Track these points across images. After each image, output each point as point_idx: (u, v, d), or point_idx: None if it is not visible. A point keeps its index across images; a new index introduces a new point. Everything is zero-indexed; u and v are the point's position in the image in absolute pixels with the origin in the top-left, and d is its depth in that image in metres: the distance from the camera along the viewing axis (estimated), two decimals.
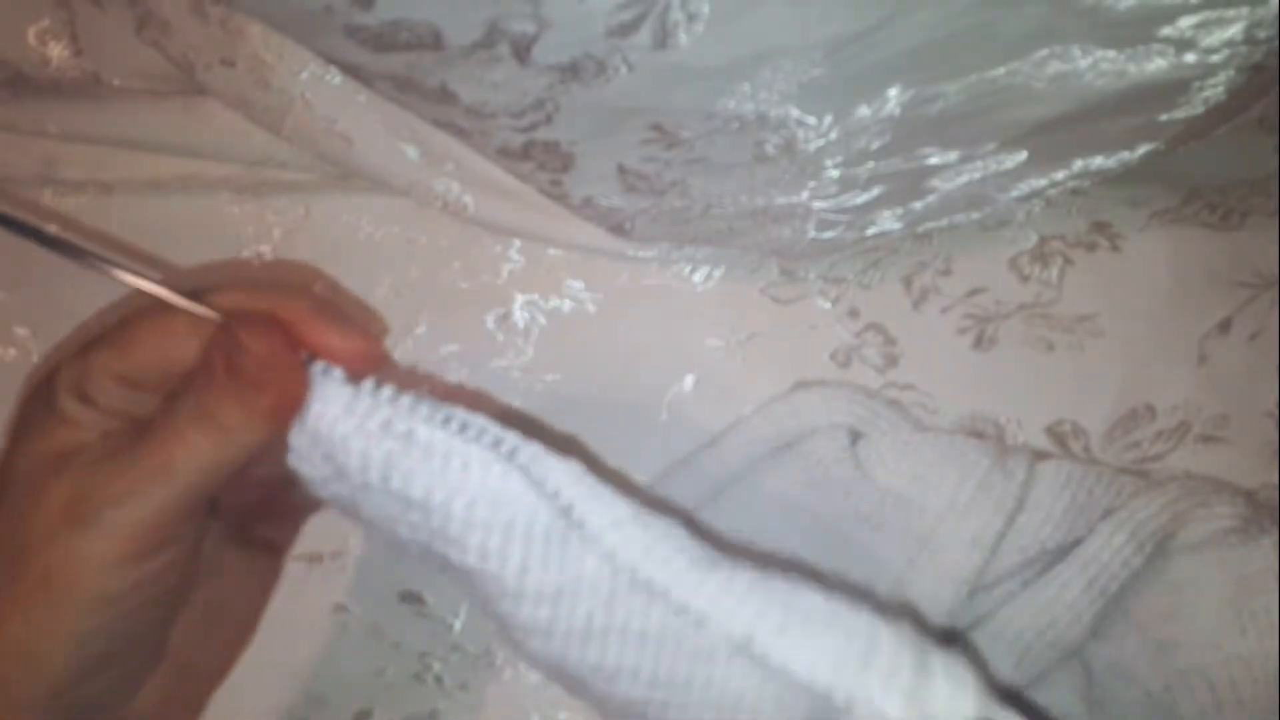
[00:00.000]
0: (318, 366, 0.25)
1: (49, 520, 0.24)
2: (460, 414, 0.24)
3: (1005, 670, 0.34)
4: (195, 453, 0.24)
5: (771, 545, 0.36)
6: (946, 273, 0.41)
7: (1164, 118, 0.32)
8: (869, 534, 0.36)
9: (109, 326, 0.26)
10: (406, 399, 0.24)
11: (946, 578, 0.34)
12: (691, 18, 0.25)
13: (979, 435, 0.39)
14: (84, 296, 0.42)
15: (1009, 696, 0.31)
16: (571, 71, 0.27)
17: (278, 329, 0.25)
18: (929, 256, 0.41)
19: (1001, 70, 0.29)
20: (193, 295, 0.26)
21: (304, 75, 0.38)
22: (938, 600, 0.34)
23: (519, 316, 0.41)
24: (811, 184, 0.34)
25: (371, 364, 0.26)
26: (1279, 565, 0.34)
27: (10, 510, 0.25)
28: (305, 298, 0.26)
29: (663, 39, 0.25)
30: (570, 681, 0.25)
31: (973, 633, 0.34)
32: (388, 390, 0.25)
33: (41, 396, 0.26)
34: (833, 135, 0.31)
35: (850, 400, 0.38)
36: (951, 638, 0.34)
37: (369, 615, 0.40)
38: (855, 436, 0.38)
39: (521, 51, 0.26)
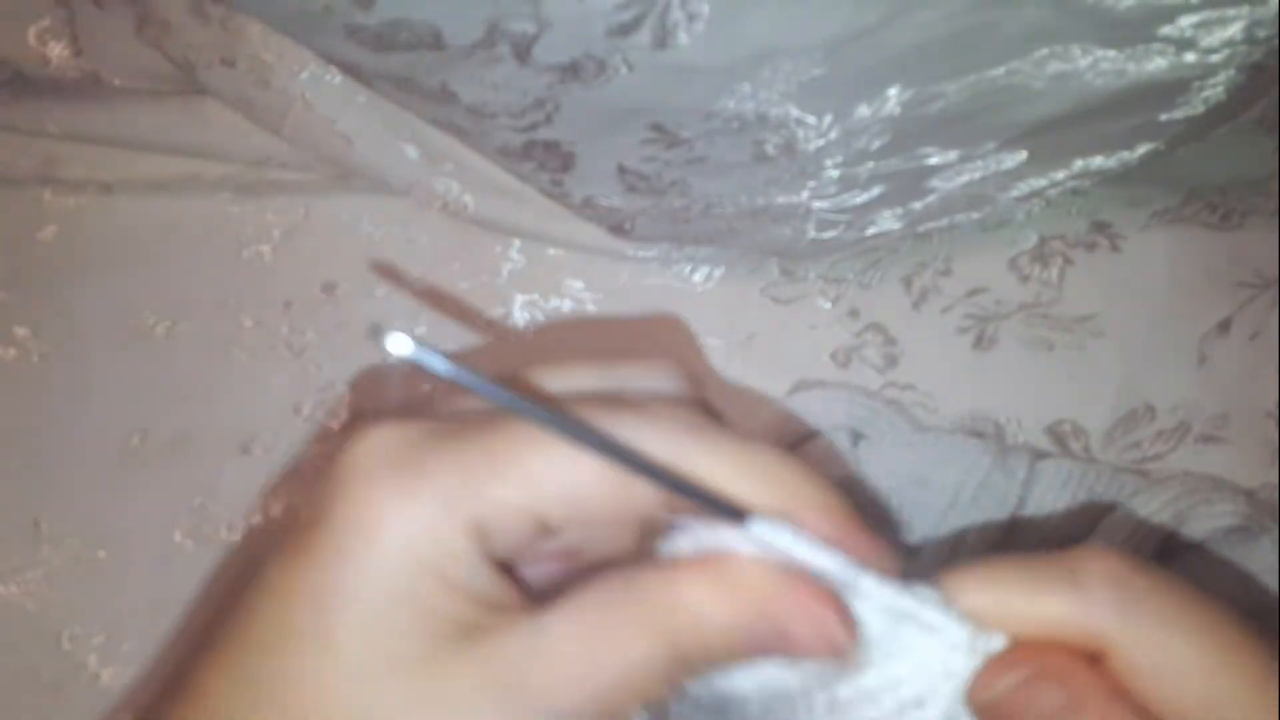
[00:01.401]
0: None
1: None
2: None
3: None
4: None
5: None
6: (946, 273, 0.41)
7: (1164, 118, 0.32)
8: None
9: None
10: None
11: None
12: (691, 18, 0.25)
13: (979, 435, 0.39)
14: (85, 297, 0.42)
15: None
16: (571, 71, 0.27)
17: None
18: (929, 256, 0.41)
19: (1001, 70, 0.29)
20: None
21: (304, 75, 0.38)
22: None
23: (519, 316, 0.41)
24: (811, 184, 0.34)
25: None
26: (1279, 564, 0.34)
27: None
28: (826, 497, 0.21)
29: (663, 39, 0.25)
30: None
31: None
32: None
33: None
34: (833, 135, 0.31)
35: (850, 402, 0.38)
36: None
37: None
38: (857, 438, 0.38)
39: (521, 51, 0.26)
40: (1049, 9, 0.26)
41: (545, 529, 0.20)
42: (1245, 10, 0.26)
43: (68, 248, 0.43)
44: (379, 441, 0.20)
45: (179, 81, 0.41)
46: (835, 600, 0.20)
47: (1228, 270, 0.40)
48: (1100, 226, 0.41)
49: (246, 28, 0.37)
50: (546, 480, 0.19)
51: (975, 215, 0.38)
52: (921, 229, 0.39)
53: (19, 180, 0.43)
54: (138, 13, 0.39)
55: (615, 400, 0.21)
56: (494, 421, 0.20)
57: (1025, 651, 0.19)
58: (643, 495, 0.20)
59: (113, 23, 0.40)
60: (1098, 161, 0.35)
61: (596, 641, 0.19)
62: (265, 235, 0.42)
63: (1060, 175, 0.36)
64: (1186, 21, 0.27)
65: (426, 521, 0.19)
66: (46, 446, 0.40)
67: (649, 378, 0.23)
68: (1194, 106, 0.31)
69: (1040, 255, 0.41)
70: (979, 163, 0.34)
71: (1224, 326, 0.40)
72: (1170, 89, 0.30)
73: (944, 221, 0.38)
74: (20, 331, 0.42)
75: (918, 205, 0.36)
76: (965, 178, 0.35)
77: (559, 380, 0.22)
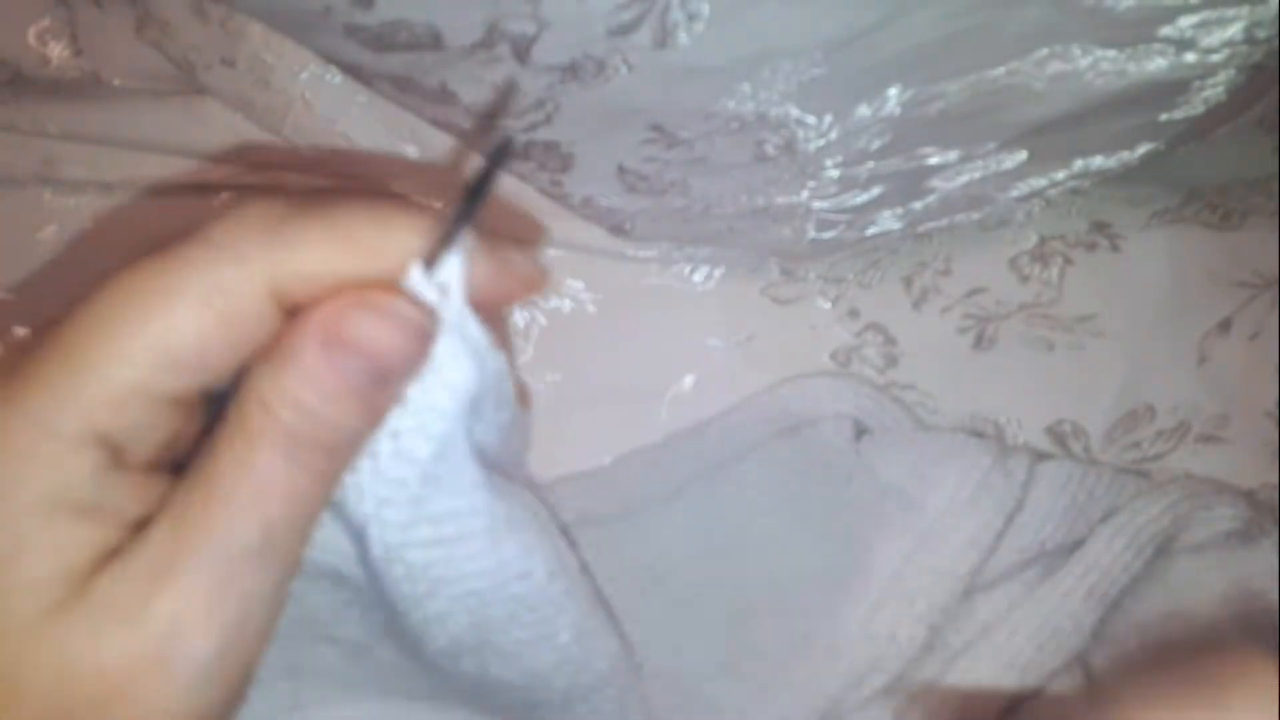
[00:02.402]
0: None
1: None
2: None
3: (1010, 681, 0.34)
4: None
5: (762, 525, 0.36)
6: (946, 273, 0.41)
7: (1164, 118, 0.32)
8: (868, 527, 0.36)
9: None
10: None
11: (943, 575, 0.34)
12: (691, 18, 0.25)
13: (979, 435, 0.39)
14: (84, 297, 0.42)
15: None
16: (571, 71, 0.27)
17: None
18: (929, 256, 0.41)
19: (1001, 70, 0.29)
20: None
21: (304, 75, 0.38)
22: (933, 598, 0.34)
23: (519, 316, 0.41)
24: (811, 184, 0.34)
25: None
26: (1279, 565, 0.34)
27: None
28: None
29: (663, 39, 0.25)
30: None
31: (976, 646, 0.34)
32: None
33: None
34: (833, 135, 0.31)
35: (857, 392, 0.38)
36: None
37: None
38: (860, 430, 0.38)
39: (521, 51, 0.26)
40: (1049, 9, 0.26)
41: (177, 400, 0.18)
42: (1245, 10, 0.26)
43: (68, 248, 0.43)
44: None
45: (179, 81, 0.41)
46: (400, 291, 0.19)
47: (1228, 270, 0.40)
48: (1100, 226, 0.41)
49: (246, 28, 0.37)
50: (149, 356, 0.17)
51: (975, 215, 0.38)
52: (921, 229, 0.39)
53: (19, 180, 0.43)
54: (138, 13, 0.39)
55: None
56: (74, 316, 0.18)
57: None
58: (263, 310, 0.18)
59: (113, 23, 0.40)
60: (1098, 161, 0.35)
61: (223, 490, 0.17)
62: None
63: (1060, 175, 0.36)
64: (1186, 21, 0.27)
65: (38, 454, 0.17)
66: None
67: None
68: (1194, 106, 0.31)
69: (1040, 255, 0.41)
70: (979, 163, 0.34)
71: (1224, 326, 0.40)
72: (1170, 89, 0.30)
73: (944, 221, 0.38)
74: (20, 332, 0.42)
75: (918, 205, 0.36)
76: (965, 178, 0.35)
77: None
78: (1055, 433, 0.40)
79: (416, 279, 0.19)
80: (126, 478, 0.18)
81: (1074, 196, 0.40)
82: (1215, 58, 0.28)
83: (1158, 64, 0.28)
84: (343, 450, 0.19)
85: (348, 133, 0.39)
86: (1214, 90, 0.30)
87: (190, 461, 0.18)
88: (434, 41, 0.26)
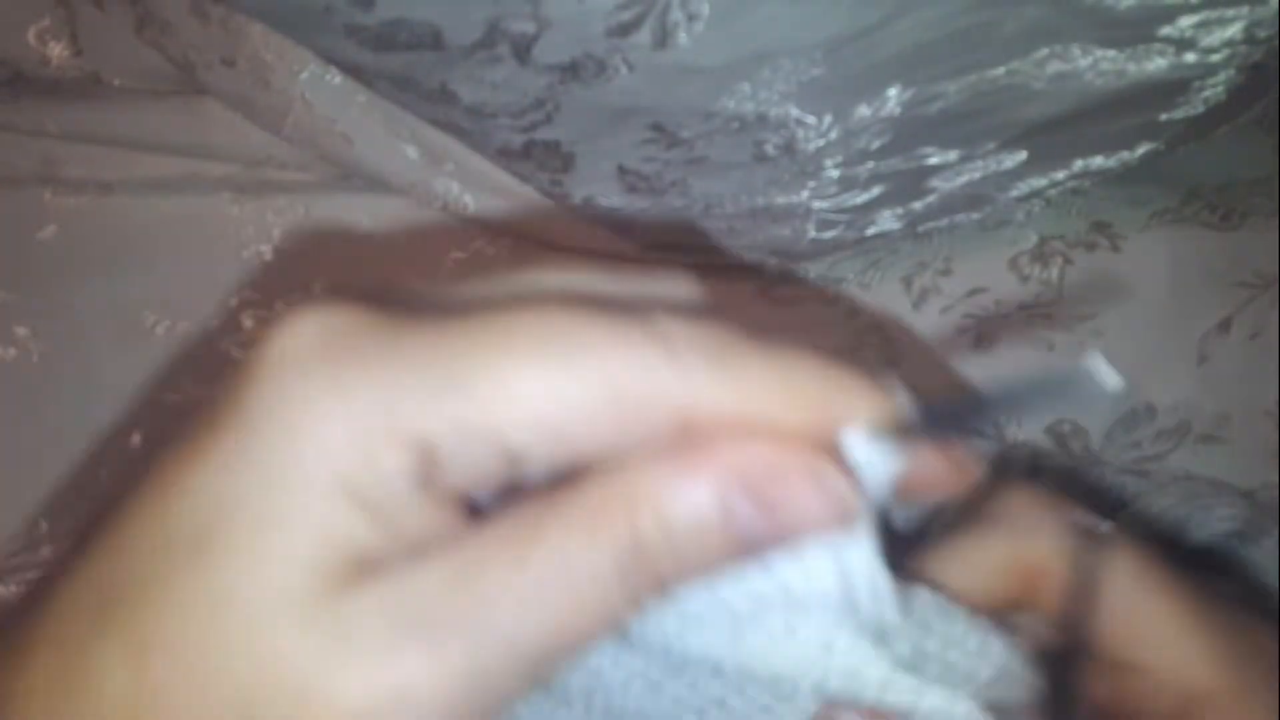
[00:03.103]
0: None
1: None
2: None
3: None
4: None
5: None
6: (946, 273, 0.41)
7: (1164, 118, 0.32)
8: None
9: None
10: None
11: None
12: (691, 18, 0.25)
13: (979, 434, 0.39)
14: (84, 297, 0.42)
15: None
16: (571, 71, 0.27)
17: None
18: (929, 256, 0.41)
19: (1001, 70, 0.29)
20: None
21: (304, 75, 0.38)
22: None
23: None
24: (811, 184, 0.34)
25: None
26: (1279, 565, 0.34)
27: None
28: None
29: (663, 39, 0.25)
30: None
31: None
32: None
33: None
34: (833, 135, 0.31)
35: None
36: None
37: None
38: None
39: (521, 51, 0.26)
40: (1049, 9, 0.26)
41: (514, 461, 0.15)
42: (1245, 10, 0.26)
43: (68, 248, 0.43)
44: (315, 326, 0.15)
45: (179, 81, 0.41)
46: (831, 456, 0.16)
47: (1228, 270, 0.40)
48: (1100, 226, 0.41)
49: (246, 28, 0.37)
50: (527, 400, 0.15)
51: (975, 215, 0.38)
52: (921, 229, 0.39)
53: (19, 180, 0.43)
54: (138, 13, 0.39)
55: (636, 316, 0.16)
56: (469, 314, 0.16)
57: None
58: (648, 430, 0.15)
59: (113, 23, 0.40)
60: (1098, 161, 0.35)
61: (533, 559, 0.15)
62: (265, 235, 0.42)
63: (1060, 175, 0.36)
64: (1186, 21, 0.27)
65: (357, 430, 0.15)
66: (46, 446, 0.40)
67: (659, 285, 0.19)
68: (1194, 106, 0.31)
69: (1040, 255, 0.41)
70: (979, 163, 0.34)
71: (1224, 326, 0.40)
72: (1170, 89, 0.30)
73: (944, 221, 0.38)
74: (20, 331, 0.42)
75: (918, 205, 0.36)
76: (965, 178, 0.35)
77: (563, 280, 0.18)
78: (1055, 432, 0.40)
79: (854, 451, 0.16)
80: (424, 496, 0.15)
81: (1074, 196, 0.40)
82: (1215, 58, 0.28)
83: (1158, 64, 0.28)
84: (668, 589, 0.16)
85: (348, 133, 0.39)
86: (1214, 90, 0.30)
87: (494, 521, 0.16)
88: (434, 41, 0.26)
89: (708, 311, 0.17)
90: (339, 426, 0.15)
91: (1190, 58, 0.28)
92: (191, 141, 0.41)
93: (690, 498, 0.15)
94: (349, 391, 0.15)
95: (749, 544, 0.16)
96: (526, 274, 0.18)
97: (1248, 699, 0.20)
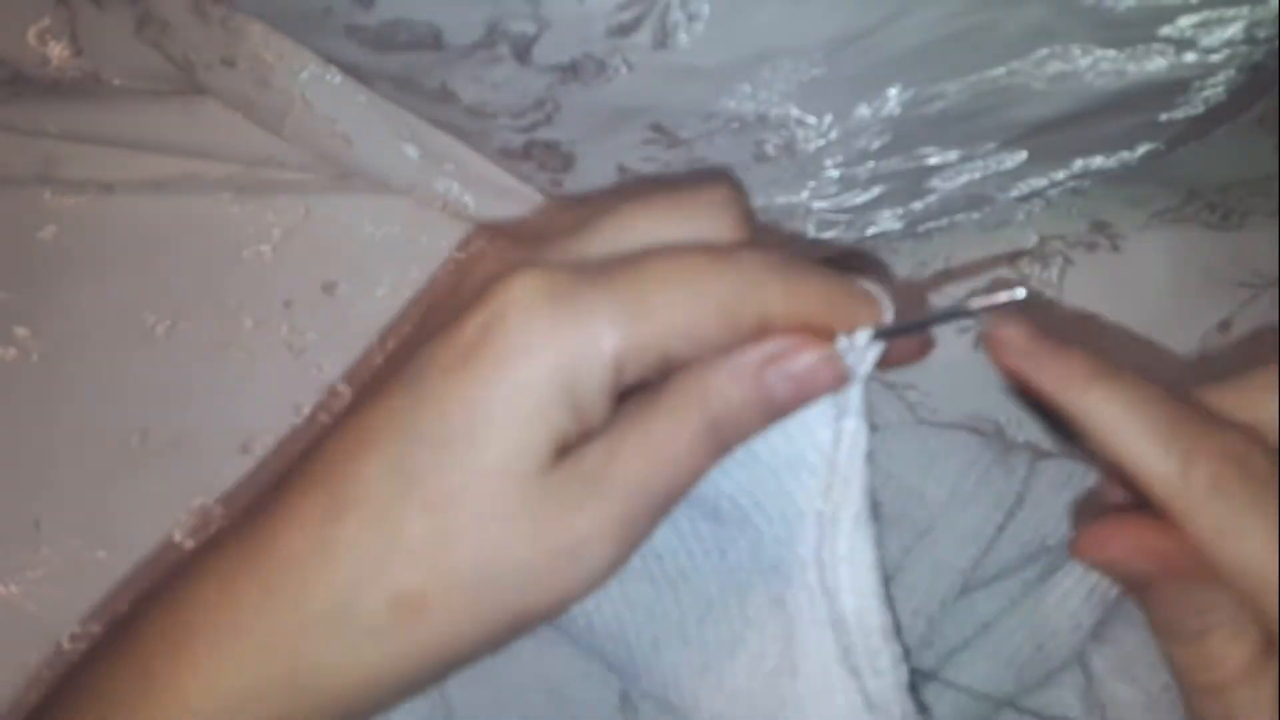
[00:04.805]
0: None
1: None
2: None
3: (1007, 681, 0.34)
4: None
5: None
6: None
7: (1164, 118, 0.32)
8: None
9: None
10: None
11: (942, 568, 0.34)
12: (691, 18, 0.25)
13: (981, 433, 0.39)
14: (84, 297, 0.42)
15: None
16: (571, 71, 0.27)
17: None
18: (929, 256, 0.41)
19: (1001, 70, 0.29)
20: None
21: (304, 75, 0.38)
22: (931, 591, 0.34)
23: None
24: (811, 184, 0.34)
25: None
26: (1279, 564, 0.34)
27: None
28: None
29: (663, 39, 0.26)
30: None
31: (974, 644, 0.34)
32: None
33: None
34: (833, 135, 0.31)
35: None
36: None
37: None
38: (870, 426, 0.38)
39: (521, 51, 0.26)
40: (1049, 9, 0.26)
41: (666, 363, 0.22)
42: (1245, 10, 0.26)
43: (68, 248, 0.43)
44: (534, 279, 0.22)
45: (179, 81, 0.41)
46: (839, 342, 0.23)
47: (1228, 270, 0.40)
48: (1100, 226, 0.41)
49: (246, 28, 0.37)
50: (679, 320, 0.22)
51: (975, 215, 0.38)
52: (921, 229, 0.39)
53: (19, 180, 0.43)
54: (138, 13, 0.39)
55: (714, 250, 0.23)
56: (626, 266, 0.22)
57: None
58: (741, 332, 0.22)
59: (113, 23, 0.40)
60: (1098, 161, 0.35)
61: (653, 430, 0.22)
62: (265, 235, 0.42)
63: (1060, 175, 0.36)
64: (1186, 21, 0.27)
65: (576, 353, 0.21)
66: (46, 446, 0.40)
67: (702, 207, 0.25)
68: (1194, 106, 0.31)
69: (1040, 255, 0.41)
70: (979, 163, 0.34)
71: (1224, 326, 0.40)
72: (1170, 89, 0.30)
73: (944, 221, 0.39)
74: (20, 331, 0.42)
75: (918, 205, 0.36)
76: (965, 178, 0.35)
77: (654, 223, 0.24)
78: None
79: (849, 344, 0.24)
80: (606, 396, 0.22)
81: (1074, 196, 0.40)
82: (1215, 58, 0.28)
83: (1158, 64, 0.28)
84: (732, 448, 0.23)
85: (348, 133, 0.39)
86: (1214, 90, 0.30)
87: (626, 412, 0.23)
88: (434, 41, 0.26)
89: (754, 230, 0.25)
90: (559, 355, 0.21)
91: (1190, 58, 0.28)
92: (191, 141, 0.41)
93: (740, 385, 0.22)
94: (563, 329, 0.21)
95: (781, 407, 0.23)
96: (626, 220, 0.24)
97: None
